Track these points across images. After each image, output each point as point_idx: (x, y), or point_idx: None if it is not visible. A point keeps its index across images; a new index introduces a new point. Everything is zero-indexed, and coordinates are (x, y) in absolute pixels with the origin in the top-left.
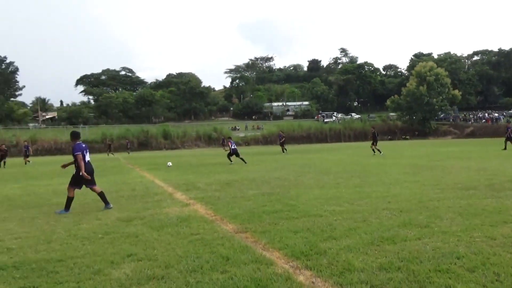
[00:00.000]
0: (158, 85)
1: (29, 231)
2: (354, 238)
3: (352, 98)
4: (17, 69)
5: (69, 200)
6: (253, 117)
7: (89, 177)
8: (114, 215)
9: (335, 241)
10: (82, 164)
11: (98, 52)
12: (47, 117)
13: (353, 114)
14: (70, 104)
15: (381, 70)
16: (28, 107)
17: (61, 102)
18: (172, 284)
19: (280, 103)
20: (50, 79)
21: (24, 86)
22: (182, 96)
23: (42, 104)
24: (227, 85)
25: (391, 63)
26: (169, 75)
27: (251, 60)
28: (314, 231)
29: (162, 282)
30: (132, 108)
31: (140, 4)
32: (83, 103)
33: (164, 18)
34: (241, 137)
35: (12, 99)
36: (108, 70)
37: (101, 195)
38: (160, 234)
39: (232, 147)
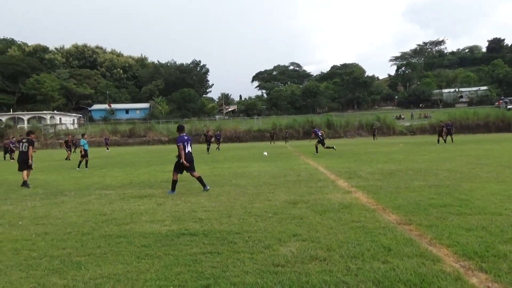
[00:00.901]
0: (322, 77)
1: (215, 206)
2: None
3: None
4: (208, 70)
5: (174, 182)
6: (420, 105)
7: (188, 165)
8: (282, 197)
9: None
10: (183, 153)
11: (270, 50)
12: (229, 109)
13: None
14: (247, 98)
15: None
16: (215, 102)
17: (240, 96)
18: (333, 267)
19: (452, 90)
20: (232, 77)
21: (212, 85)
22: (345, 86)
23: (225, 99)
24: (392, 73)
25: None
26: (333, 67)
27: (419, 45)
28: (491, 230)
29: (324, 264)
30: (298, 100)
31: (307, 1)
32: (257, 96)
33: (330, 12)
34: (406, 126)
35: (204, 95)
36: (278, 66)
37: (200, 179)
38: (323, 218)
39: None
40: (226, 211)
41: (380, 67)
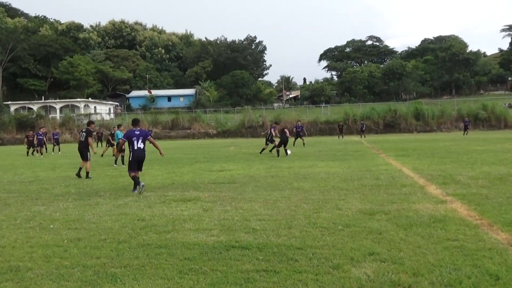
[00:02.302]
0: (410, 54)
1: (272, 213)
2: None
3: None
4: (264, 48)
5: (134, 179)
6: None
7: (119, 154)
8: (356, 206)
9: None
10: (120, 147)
11: (342, 21)
12: (290, 96)
13: None
14: (312, 82)
15: None
16: (273, 87)
17: (304, 79)
18: None
19: None
20: (294, 56)
21: (270, 66)
22: (440, 65)
23: (286, 83)
24: (505, 47)
25: None
26: (424, 41)
27: None
28: None
29: None
30: (378, 83)
31: None
32: (325, 80)
33: None
34: None
35: (259, 79)
36: (353, 41)
37: (135, 179)
38: (408, 234)
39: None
40: (286, 221)
41: (488, 40)
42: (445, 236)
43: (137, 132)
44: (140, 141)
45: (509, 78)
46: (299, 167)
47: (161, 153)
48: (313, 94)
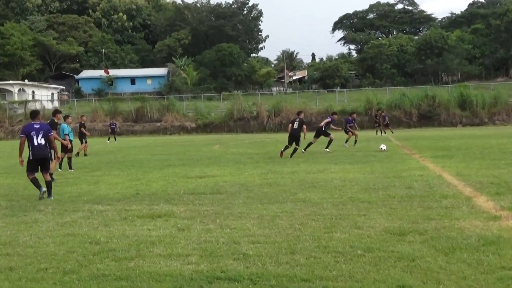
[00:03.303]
0: (453, 21)
1: (269, 234)
2: None
3: None
4: (260, 14)
5: (33, 181)
6: None
7: (22, 165)
8: (381, 224)
9: None
10: (22, 149)
11: None
12: (294, 78)
13: None
14: (324, 59)
15: None
16: (272, 66)
17: (313, 56)
18: None
19: None
20: (299, 25)
21: (267, 37)
22: (494, 37)
23: (289, 60)
24: None
25: None
26: (472, 4)
27: None
28: None
29: None
30: (411, 61)
31: None
32: (342, 56)
33: None
34: None
35: (253, 55)
36: (378, 4)
37: (49, 185)
38: (450, 260)
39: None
40: (288, 244)
41: None
42: (499, 263)
43: (37, 126)
44: (40, 136)
45: None
46: (306, 172)
47: (55, 157)
48: (325, 76)
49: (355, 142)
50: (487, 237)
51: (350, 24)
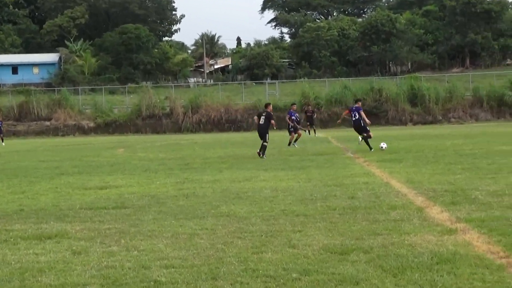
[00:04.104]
0: (403, 2)
1: (186, 256)
2: None
3: None
4: None
5: None
6: None
7: None
8: (320, 241)
9: None
10: None
11: None
12: (216, 66)
13: None
14: (251, 45)
15: None
16: (188, 52)
17: (238, 40)
18: None
19: None
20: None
21: (183, 16)
22: (448, 21)
23: (209, 45)
24: None
25: None
26: None
27: None
28: None
29: None
30: (354, 48)
31: None
32: (273, 41)
33: None
34: None
35: (166, 38)
36: None
37: None
38: (399, 282)
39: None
40: (208, 268)
41: None
42: (455, 284)
43: None
44: None
45: None
46: (230, 180)
47: None
48: (253, 64)
49: (290, 143)
50: (441, 254)
51: (282, 3)
